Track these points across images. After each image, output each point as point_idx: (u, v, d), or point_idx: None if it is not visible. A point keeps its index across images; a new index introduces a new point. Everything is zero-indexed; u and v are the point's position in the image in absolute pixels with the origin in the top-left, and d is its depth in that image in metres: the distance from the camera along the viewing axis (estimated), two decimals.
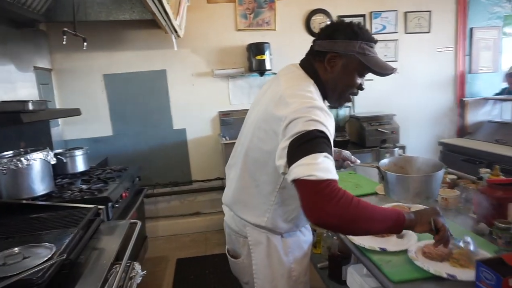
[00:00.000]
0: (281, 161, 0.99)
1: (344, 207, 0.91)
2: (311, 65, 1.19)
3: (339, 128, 3.65)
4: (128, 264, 1.93)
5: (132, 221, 2.05)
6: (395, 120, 3.55)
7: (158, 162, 3.63)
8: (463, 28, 3.87)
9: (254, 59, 3.42)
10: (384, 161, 1.48)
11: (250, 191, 1.23)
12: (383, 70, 1.13)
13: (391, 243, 1.31)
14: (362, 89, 1.20)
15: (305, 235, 1.35)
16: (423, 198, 1.38)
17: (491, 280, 0.93)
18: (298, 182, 0.93)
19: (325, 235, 2.26)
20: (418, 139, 3.98)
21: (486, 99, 3.80)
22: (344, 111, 3.67)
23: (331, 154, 0.97)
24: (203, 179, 3.67)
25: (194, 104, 3.59)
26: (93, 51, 3.31)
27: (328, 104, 1.25)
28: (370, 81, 3.71)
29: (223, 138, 3.36)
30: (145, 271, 1.99)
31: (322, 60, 1.16)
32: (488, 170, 1.61)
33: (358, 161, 1.50)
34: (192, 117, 3.61)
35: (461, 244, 1.14)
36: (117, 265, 1.55)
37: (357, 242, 1.31)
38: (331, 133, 1.02)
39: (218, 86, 3.62)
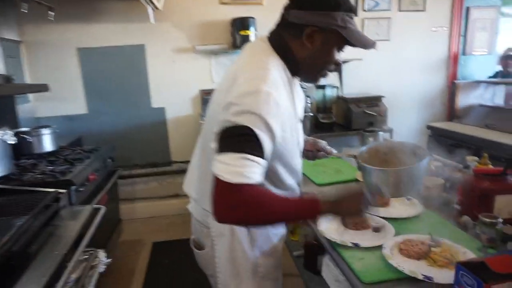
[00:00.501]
0: (213, 144, 0.96)
1: (249, 212, 0.91)
2: (282, 39, 1.06)
3: (325, 109, 3.51)
4: (91, 252, 1.81)
5: (95, 206, 1.93)
6: (384, 102, 3.41)
7: (136, 142, 3.46)
8: (459, 6, 3.69)
9: (238, 34, 3.22)
10: (363, 149, 1.33)
11: (208, 179, 1.10)
12: (364, 45, 1.04)
13: (366, 237, 1.20)
14: (338, 64, 1.10)
15: (276, 227, 1.23)
16: (407, 191, 1.20)
17: (471, 286, 0.82)
18: (214, 175, 0.91)
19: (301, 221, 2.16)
20: (406, 123, 3.86)
21: (478, 82, 3.67)
22: (331, 92, 3.52)
23: (258, 152, 0.90)
24: (183, 160, 3.52)
25: (174, 81, 3.40)
26: (66, 22, 3.09)
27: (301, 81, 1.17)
28: (359, 61, 3.57)
29: (205, 118, 3.20)
30: (110, 259, 1.88)
31: (297, 34, 1.03)
32: (476, 158, 1.49)
33: (334, 151, 1.38)
34: (172, 95, 3.43)
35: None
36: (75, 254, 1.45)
37: (328, 236, 1.19)
38: (270, 124, 0.92)
39: (200, 63, 3.42)
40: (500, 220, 1.11)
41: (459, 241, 1.12)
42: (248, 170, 0.88)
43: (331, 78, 3.67)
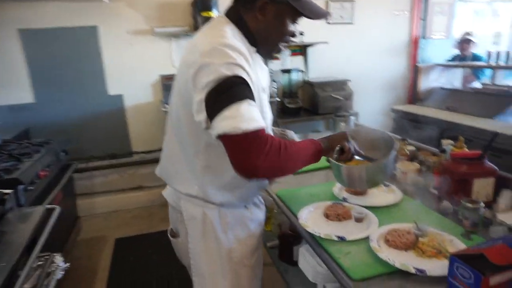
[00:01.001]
0: (201, 116, 0.90)
1: (274, 158, 0.87)
2: (237, 13, 1.05)
3: (292, 94, 3.45)
4: (46, 257, 1.63)
5: (48, 206, 1.74)
6: (349, 86, 3.40)
7: (92, 133, 3.21)
8: None
9: (199, 16, 3.02)
10: None
11: (178, 158, 1.11)
12: (316, 15, 1.04)
13: (349, 228, 1.14)
14: (294, 36, 1.09)
15: (253, 213, 1.18)
16: (378, 183, 1.23)
17: (468, 278, 0.78)
18: (223, 138, 0.86)
19: (275, 211, 2.09)
20: (371, 106, 3.90)
21: (439, 65, 3.76)
22: (297, 76, 3.46)
23: (253, 98, 0.89)
24: (145, 150, 3.31)
25: (132, 66, 3.16)
26: None
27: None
28: (325, 44, 3.52)
29: (166, 105, 3.01)
30: (68, 263, 1.71)
31: (251, 7, 1.02)
32: (451, 141, 1.48)
33: None
34: (130, 81, 3.19)
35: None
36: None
37: (311, 230, 1.12)
38: (249, 74, 0.92)
39: (160, 47, 3.20)
40: (482, 204, 1.10)
41: (442, 228, 1.10)
42: (256, 115, 0.87)
43: (296, 62, 3.61)
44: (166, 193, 1.27)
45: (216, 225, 1.10)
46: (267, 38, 1.06)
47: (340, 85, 3.37)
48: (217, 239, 1.10)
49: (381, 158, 1.14)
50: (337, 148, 1.08)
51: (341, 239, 1.06)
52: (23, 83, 2.96)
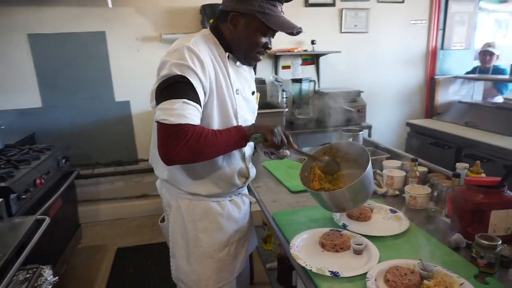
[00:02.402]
0: (153, 103, 1.06)
1: (193, 145, 1.00)
2: (216, 24, 1.19)
3: (302, 104, 3.33)
4: (34, 269, 1.57)
5: (39, 216, 1.68)
6: (362, 97, 3.27)
7: (98, 139, 3.18)
8: None
9: (208, 22, 2.97)
10: (304, 165, 1.27)
11: (154, 144, 1.19)
12: (284, 28, 1.12)
13: (345, 262, 1.02)
14: (268, 48, 1.19)
15: (225, 210, 1.26)
16: (361, 202, 1.16)
17: None
18: (158, 125, 1.02)
19: None
20: (385, 119, 3.74)
21: (457, 78, 3.58)
22: (308, 86, 3.34)
23: (194, 98, 1.02)
24: None
25: (140, 73, 3.11)
26: (14, 5, 2.76)
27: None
28: (338, 53, 3.40)
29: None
30: (57, 278, 1.63)
31: (225, 19, 1.15)
32: (467, 165, 1.34)
33: (288, 153, 1.29)
34: (137, 88, 3.14)
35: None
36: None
37: (302, 263, 1.00)
38: (199, 77, 1.04)
39: None
40: (500, 242, 0.97)
41: (452, 266, 0.97)
42: (188, 112, 1.00)
43: (308, 71, 3.50)
44: (157, 182, 1.40)
45: (185, 215, 1.23)
46: (239, 47, 1.17)
47: (352, 96, 3.23)
48: (185, 227, 1.23)
49: (356, 181, 1.08)
50: (258, 135, 1.10)
51: (335, 275, 0.94)
52: (30, 88, 2.96)
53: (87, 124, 3.13)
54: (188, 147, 0.99)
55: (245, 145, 1.16)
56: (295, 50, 3.27)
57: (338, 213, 1.27)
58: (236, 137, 1.09)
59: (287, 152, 1.27)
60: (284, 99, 3.28)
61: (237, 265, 1.31)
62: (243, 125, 1.21)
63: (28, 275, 1.48)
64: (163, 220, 1.41)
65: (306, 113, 3.26)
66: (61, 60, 2.98)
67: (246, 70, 1.31)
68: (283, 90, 3.28)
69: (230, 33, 1.15)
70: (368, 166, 1.10)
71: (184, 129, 0.98)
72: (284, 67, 3.44)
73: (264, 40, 1.16)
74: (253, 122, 1.33)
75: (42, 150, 2.34)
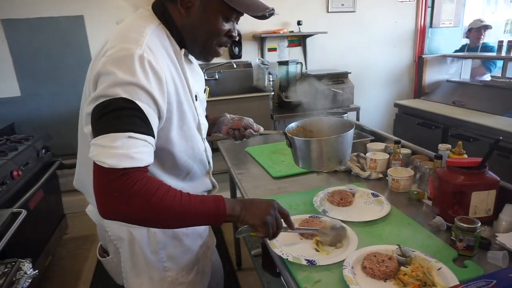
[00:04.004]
0: (87, 129, 0.79)
1: (140, 205, 0.73)
2: (163, 6, 0.91)
3: (289, 87, 3.27)
4: (13, 263, 1.53)
5: (15, 210, 1.64)
6: (350, 78, 3.22)
7: None
8: None
9: None
10: (292, 125, 1.28)
11: (87, 169, 0.85)
12: (251, 10, 0.88)
13: (323, 250, 1.00)
14: (233, 37, 0.95)
15: (188, 228, 1.04)
16: (335, 163, 1.17)
17: None
18: (93, 163, 0.73)
19: None
20: (373, 100, 3.71)
21: (445, 56, 3.54)
22: (295, 68, 3.27)
23: (144, 128, 0.76)
24: None
25: None
26: None
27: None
28: (325, 34, 3.33)
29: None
30: (36, 271, 1.60)
31: (175, 0, 0.88)
32: (449, 146, 1.32)
33: (262, 129, 1.25)
34: None
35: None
36: None
37: (278, 251, 0.98)
38: (155, 99, 0.79)
39: None
40: (479, 224, 0.95)
41: (432, 250, 0.95)
42: (135, 151, 0.73)
43: (294, 53, 3.43)
44: (88, 209, 1.13)
45: (144, 247, 0.99)
46: (194, 37, 0.92)
47: (340, 78, 3.18)
48: (147, 261, 1.00)
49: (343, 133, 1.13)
50: (245, 227, 0.88)
51: (311, 263, 0.92)
52: (7, 76, 2.86)
53: (69, 112, 3.05)
54: (135, 203, 0.72)
55: (218, 225, 0.92)
56: (281, 32, 3.19)
57: (317, 169, 1.24)
58: (211, 212, 0.81)
59: (261, 127, 1.25)
60: (271, 82, 3.23)
61: (207, 279, 1.16)
62: (204, 136, 1.04)
63: (6, 269, 1.44)
64: (103, 252, 1.16)
65: (293, 96, 3.21)
66: (39, 46, 2.88)
67: (195, 62, 1.08)
68: (269, 73, 3.21)
69: (181, 19, 0.90)
70: (349, 132, 1.13)
71: (130, 176, 0.72)
72: (270, 49, 3.36)
73: (227, 26, 0.92)
74: (207, 125, 1.11)
75: (21, 140, 2.27)
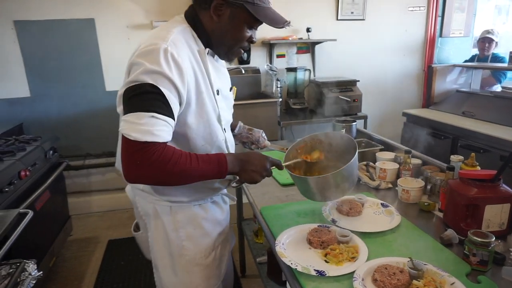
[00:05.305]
0: (120, 108, 0.95)
1: (159, 169, 0.89)
2: (195, 12, 1.05)
3: (297, 94, 3.27)
4: (17, 264, 1.53)
5: (22, 210, 1.63)
6: (358, 86, 3.20)
7: (89, 129, 3.11)
8: None
9: None
10: (289, 148, 1.24)
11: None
12: (273, 23, 1.03)
13: (333, 261, 0.98)
14: (253, 42, 1.10)
15: (208, 213, 1.17)
16: (339, 194, 1.15)
17: None
18: (122, 136, 0.89)
19: None
20: (381, 109, 3.69)
21: (455, 66, 3.51)
22: (303, 75, 3.27)
23: (165, 111, 0.90)
24: None
25: None
26: None
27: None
28: (333, 41, 3.32)
29: None
30: (41, 272, 1.59)
31: (206, 6, 1.02)
32: (461, 157, 1.30)
33: (268, 144, 1.32)
34: None
35: None
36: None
37: (287, 261, 0.96)
38: (177, 86, 0.92)
39: None
40: (493, 239, 0.92)
41: (444, 264, 0.93)
42: (157, 128, 0.88)
43: (303, 60, 3.42)
44: (127, 188, 1.26)
45: (166, 223, 1.12)
46: (221, 40, 1.05)
47: (348, 86, 3.17)
48: (167, 236, 1.12)
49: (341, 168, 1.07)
50: (237, 180, 1.05)
51: (321, 274, 0.90)
52: (18, 77, 2.88)
53: (77, 114, 3.07)
54: (153, 169, 0.88)
55: (222, 178, 1.03)
56: (290, 38, 3.19)
57: (321, 201, 1.21)
58: (215, 169, 0.98)
59: (268, 143, 1.28)
60: (279, 88, 3.22)
61: (222, 268, 1.24)
62: (225, 127, 1.14)
63: (11, 270, 1.44)
64: (137, 228, 1.29)
65: (301, 103, 3.20)
66: (49, 48, 2.90)
67: (222, 64, 1.21)
68: (277, 80, 3.21)
69: (211, 24, 1.03)
70: (355, 154, 1.09)
71: (150, 148, 0.87)
72: (278, 56, 3.36)
73: (249, 33, 1.06)
74: (231, 119, 1.24)
75: (29, 141, 2.28)
